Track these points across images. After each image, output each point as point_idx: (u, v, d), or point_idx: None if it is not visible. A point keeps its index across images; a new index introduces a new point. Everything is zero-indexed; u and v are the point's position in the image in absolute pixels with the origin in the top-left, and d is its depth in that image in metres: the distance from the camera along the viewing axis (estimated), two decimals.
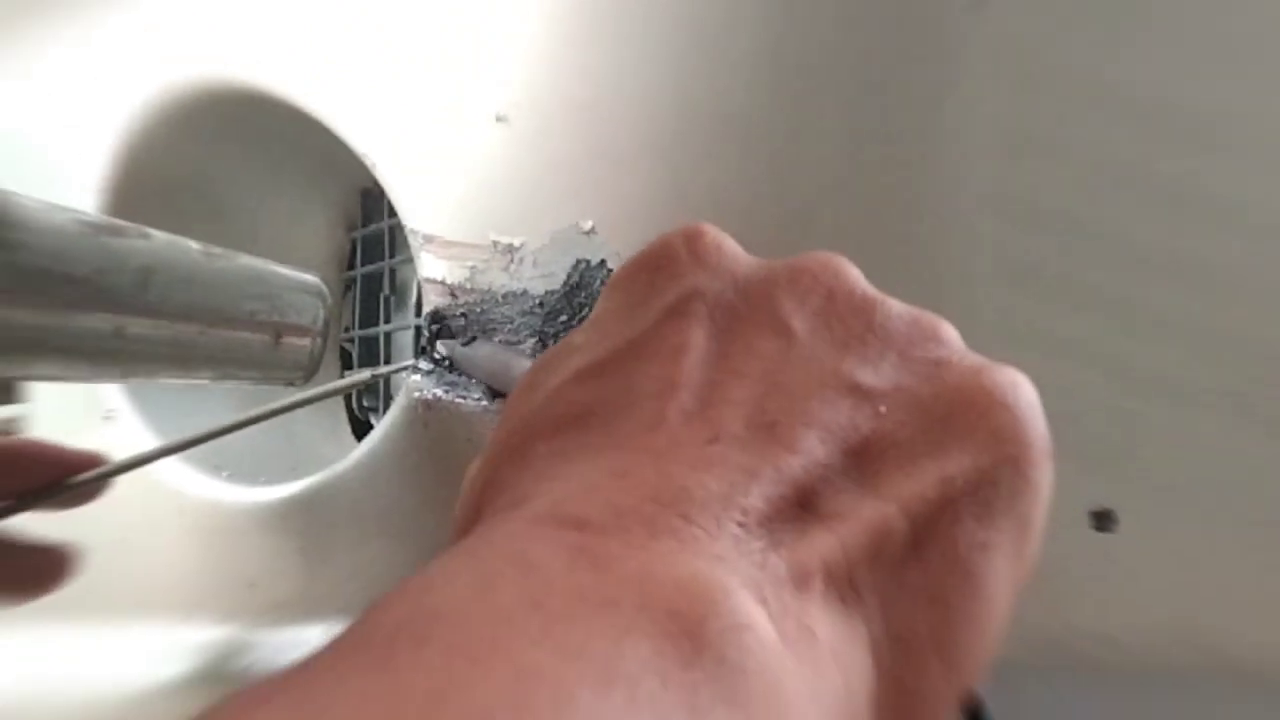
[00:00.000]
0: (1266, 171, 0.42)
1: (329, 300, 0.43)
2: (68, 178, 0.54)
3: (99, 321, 0.38)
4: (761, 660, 0.20)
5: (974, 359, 0.27)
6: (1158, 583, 0.42)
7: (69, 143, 0.55)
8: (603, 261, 0.46)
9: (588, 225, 0.46)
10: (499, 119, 0.47)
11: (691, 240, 0.30)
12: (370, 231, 0.61)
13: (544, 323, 0.47)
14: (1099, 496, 0.42)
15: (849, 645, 0.23)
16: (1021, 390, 0.26)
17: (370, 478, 0.51)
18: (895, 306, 0.28)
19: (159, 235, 0.39)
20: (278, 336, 0.42)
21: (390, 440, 0.50)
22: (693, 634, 0.19)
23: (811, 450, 0.25)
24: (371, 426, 0.59)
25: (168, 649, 0.55)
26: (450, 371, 0.49)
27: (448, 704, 0.17)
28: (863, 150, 0.43)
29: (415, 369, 0.50)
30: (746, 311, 0.28)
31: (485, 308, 0.48)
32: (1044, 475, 0.25)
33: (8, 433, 0.60)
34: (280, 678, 0.18)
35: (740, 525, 0.23)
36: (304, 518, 0.53)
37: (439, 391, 0.48)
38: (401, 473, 0.50)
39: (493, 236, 0.48)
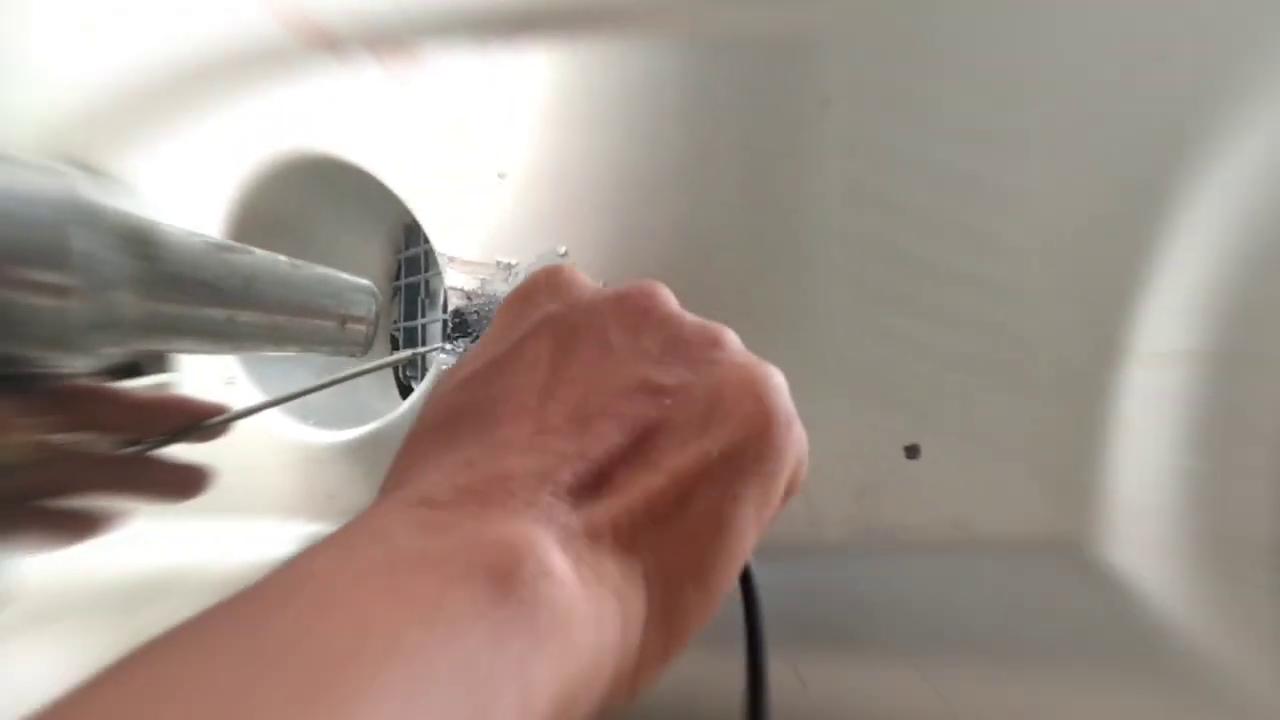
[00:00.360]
0: (1038, 204, 0.43)
1: (379, 298, 0.42)
2: (203, 214, 0.55)
3: (217, 312, 0.37)
4: (557, 597, 0.20)
5: (741, 359, 0.26)
6: (944, 492, 0.44)
7: (205, 189, 0.55)
8: None
9: (562, 250, 0.45)
10: (501, 175, 0.46)
11: (550, 276, 0.30)
12: (411, 254, 0.60)
13: None
14: (910, 435, 0.44)
15: (628, 584, 0.22)
16: (770, 380, 0.25)
17: (411, 423, 0.50)
18: (689, 323, 0.27)
19: (259, 251, 0.39)
20: (342, 323, 0.41)
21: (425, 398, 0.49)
22: (504, 580, 0.19)
23: (611, 437, 0.24)
24: (412, 389, 0.58)
25: (274, 539, 0.55)
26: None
27: (298, 646, 0.16)
28: (748, 202, 0.44)
29: (442, 349, 0.49)
30: (582, 330, 0.27)
31: (490, 307, 0.47)
32: (785, 442, 0.25)
33: (165, 388, 0.60)
34: (185, 624, 0.17)
35: (552, 495, 0.22)
36: (365, 452, 0.52)
37: None
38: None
39: (496, 257, 0.47)
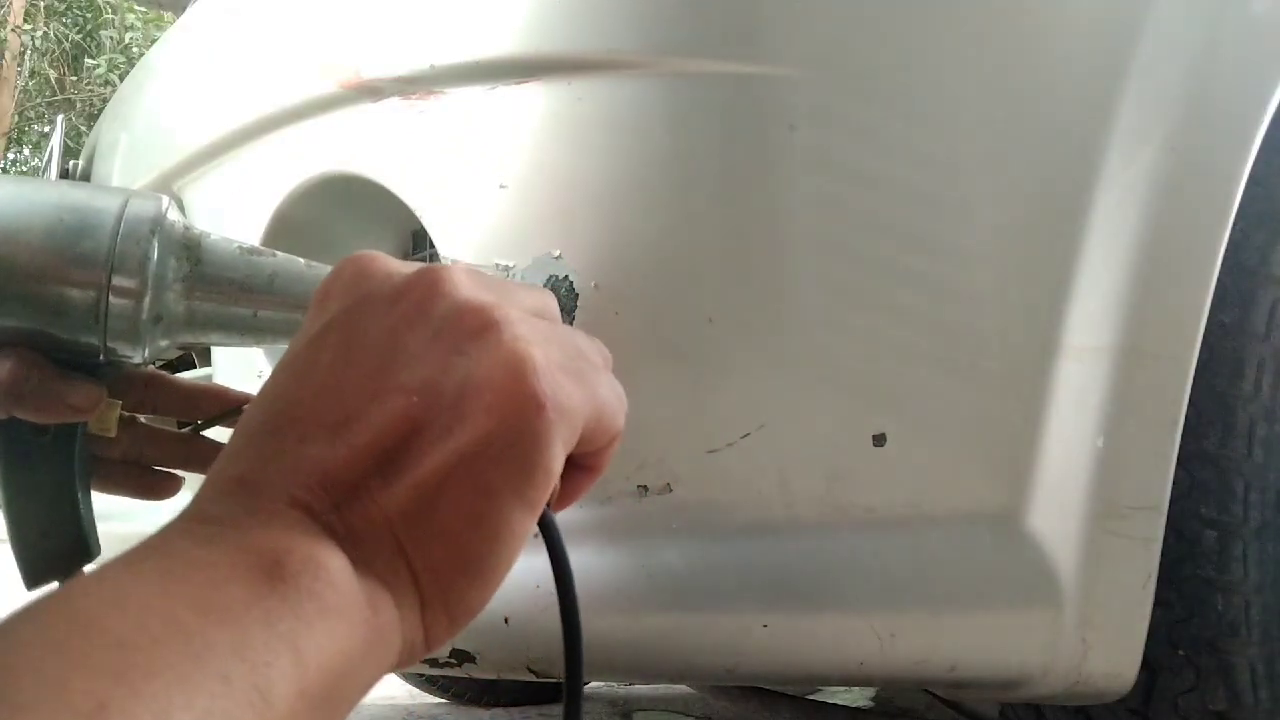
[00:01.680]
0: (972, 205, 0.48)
1: None
2: (247, 225, 0.60)
3: (243, 308, 0.41)
4: (321, 589, 0.21)
5: (494, 350, 0.25)
6: (904, 475, 0.48)
7: (253, 206, 0.60)
8: (566, 276, 0.47)
9: (556, 253, 0.47)
10: (501, 186, 0.49)
11: (348, 268, 0.29)
12: (418, 257, 0.62)
13: None
14: (877, 425, 0.47)
15: (396, 578, 0.24)
16: (515, 367, 0.25)
17: None
18: (460, 307, 0.26)
19: (281, 254, 0.42)
20: None
21: None
22: (270, 577, 0.21)
23: (358, 442, 0.24)
24: None
25: None
26: None
27: (89, 633, 0.18)
28: (726, 213, 0.47)
29: None
30: (361, 329, 0.27)
31: None
32: (536, 425, 0.25)
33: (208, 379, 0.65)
34: (10, 617, 0.19)
35: (312, 498, 0.23)
36: None
37: None
38: None
39: (496, 260, 0.49)
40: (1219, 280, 0.52)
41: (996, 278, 0.48)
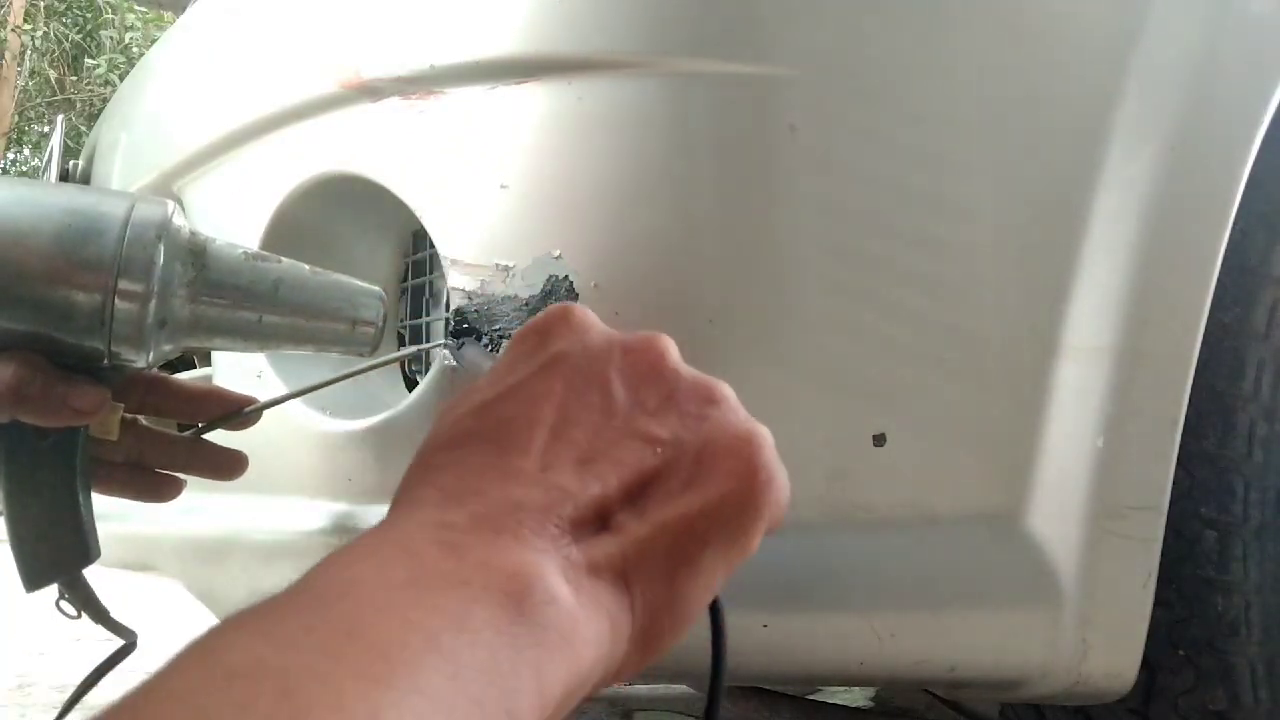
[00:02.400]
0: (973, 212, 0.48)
1: (385, 301, 0.45)
2: (247, 225, 0.60)
3: (248, 313, 0.41)
4: (562, 621, 0.23)
5: (732, 418, 0.28)
6: (904, 475, 0.48)
7: (253, 207, 0.60)
8: (565, 276, 0.47)
9: (557, 253, 0.47)
10: (503, 186, 0.49)
11: (565, 314, 0.31)
12: (418, 257, 0.63)
13: (526, 316, 0.47)
14: (877, 425, 0.47)
15: (619, 611, 0.26)
16: (754, 441, 0.27)
17: (417, 414, 0.53)
18: (687, 378, 0.29)
19: (285, 260, 0.43)
20: (353, 324, 0.43)
21: (429, 390, 0.52)
22: (518, 604, 0.22)
23: (609, 480, 0.26)
24: (417, 383, 0.59)
25: (304, 515, 0.57)
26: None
27: (355, 640, 0.20)
28: (727, 213, 0.47)
29: (445, 346, 0.51)
30: (590, 375, 0.29)
31: (490, 306, 0.49)
32: (764, 500, 0.27)
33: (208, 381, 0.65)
34: (251, 611, 0.20)
35: (556, 528, 0.25)
36: (377, 439, 0.55)
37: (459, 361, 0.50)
38: (434, 410, 0.50)
39: (495, 260, 0.49)
40: (1219, 280, 0.52)
41: (996, 278, 0.48)
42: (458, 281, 0.50)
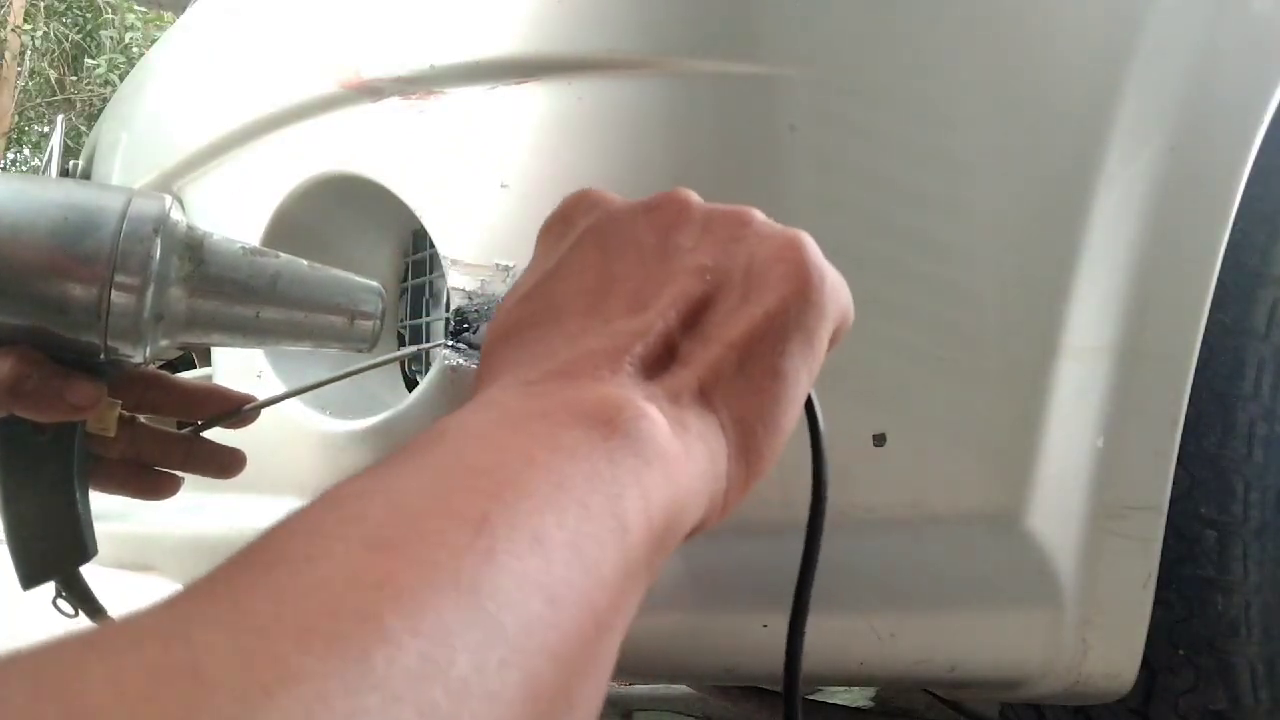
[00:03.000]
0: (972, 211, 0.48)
1: (384, 296, 0.45)
2: (247, 224, 0.60)
3: (246, 309, 0.40)
4: (655, 435, 0.23)
5: (768, 231, 0.29)
6: (904, 475, 0.48)
7: (253, 205, 0.60)
8: None
9: None
10: (503, 186, 0.49)
11: (582, 196, 0.32)
12: (418, 257, 0.63)
13: None
14: (878, 425, 0.47)
15: (709, 431, 0.26)
16: (798, 244, 0.28)
17: (417, 414, 0.53)
18: (718, 210, 0.30)
19: (284, 255, 0.42)
20: (352, 319, 0.43)
21: (429, 391, 0.52)
22: (607, 423, 0.23)
23: (667, 316, 0.27)
24: (417, 383, 0.59)
25: None
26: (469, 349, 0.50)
27: (458, 463, 0.21)
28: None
29: (445, 345, 0.50)
30: (621, 236, 0.30)
31: (490, 306, 0.49)
32: (821, 297, 0.27)
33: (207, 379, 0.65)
34: (368, 470, 0.21)
35: (631, 367, 0.25)
36: (377, 439, 0.55)
37: (459, 360, 0.50)
38: (434, 410, 0.52)
39: (496, 260, 0.49)
40: (1219, 280, 0.52)
41: (996, 278, 0.48)
42: (458, 281, 0.50)
